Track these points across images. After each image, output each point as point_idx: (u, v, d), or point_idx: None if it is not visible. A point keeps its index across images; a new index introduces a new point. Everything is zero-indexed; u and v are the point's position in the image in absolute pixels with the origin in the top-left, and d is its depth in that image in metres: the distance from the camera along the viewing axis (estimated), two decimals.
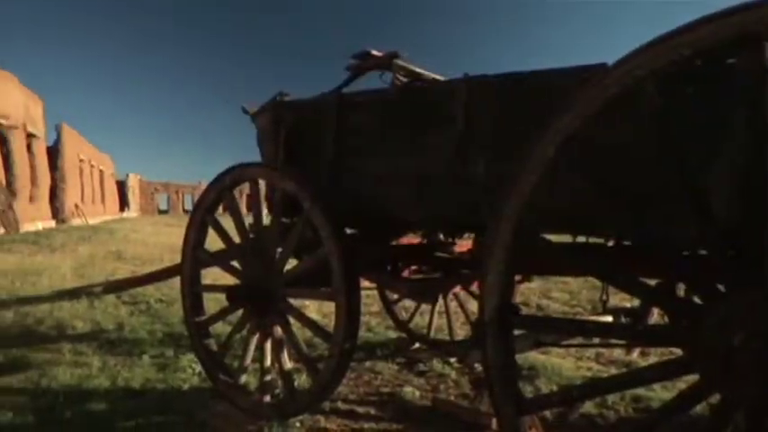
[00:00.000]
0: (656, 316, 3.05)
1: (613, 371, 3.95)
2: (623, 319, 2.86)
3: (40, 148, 20.35)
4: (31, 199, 18.53)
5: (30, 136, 18.95)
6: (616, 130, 1.73)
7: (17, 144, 17.29)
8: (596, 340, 3.16)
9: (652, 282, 1.83)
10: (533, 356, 3.99)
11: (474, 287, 3.38)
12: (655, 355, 4.18)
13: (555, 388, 3.51)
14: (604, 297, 2.68)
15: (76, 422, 2.90)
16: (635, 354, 4.07)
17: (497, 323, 1.68)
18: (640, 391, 3.29)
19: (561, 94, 1.58)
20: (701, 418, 2.53)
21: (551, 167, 1.55)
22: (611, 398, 3.25)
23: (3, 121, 16.01)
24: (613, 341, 2.92)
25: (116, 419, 2.94)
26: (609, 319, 2.81)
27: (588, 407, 3.16)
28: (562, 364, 3.99)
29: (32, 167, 19.07)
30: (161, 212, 50.58)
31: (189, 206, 51.65)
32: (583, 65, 1.96)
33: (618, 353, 4.22)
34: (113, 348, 4.37)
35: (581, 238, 2.20)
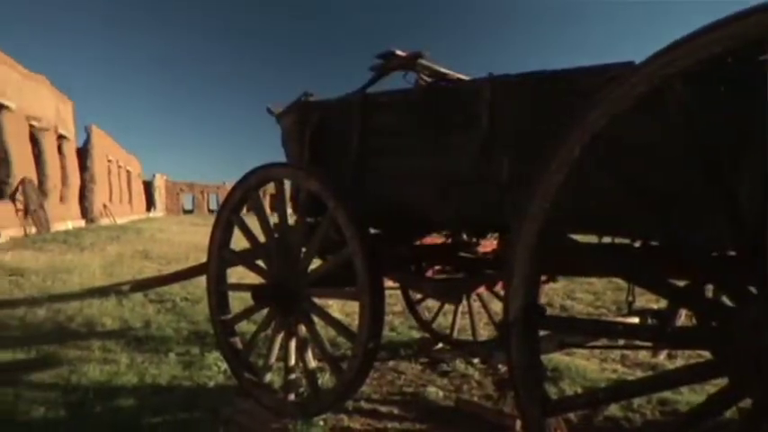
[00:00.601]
0: (683, 318, 2.99)
1: (639, 373, 3.89)
2: (650, 321, 2.81)
3: (70, 150, 20.78)
4: (62, 199, 18.93)
5: (60, 137, 19.37)
6: (644, 128, 1.71)
7: (48, 145, 17.69)
8: (621, 342, 3.12)
9: (679, 283, 1.80)
10: (557, 358, 3.95)
11: (498, 287, 3.36)
12: (682, 358, 4.11)
13: (579, 390, 3.48)
14: (630, 298, 2.64)
15: (105, 417, 2.96)
16: (662, 356, 4.00)
17: (522, 324, 1.66)
18: (667, 394, 3.24)
19: (587, 93, 1.57)
20: (730, 423, 2.48)
21: (577, 167, 1.53)
22: (636, 401, 3.20)
23: (35, 123, 16.39)
24: (639, 343, 2.87)
25: (143, 415, 2.99)
26: (635, 320, 2.77)
27: (613, 409, 3.12)
28: (587, 365, 3.95)
29: (63, 168, 19.48)
30: (186, 212, 51.24)
31: (213, 206, 52.29)
32: (609, 63, 1.93)
33: (643, 355, 4.16)
34: (141, 346, 4.45)
35: (605, 239, 2.17)
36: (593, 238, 2.16)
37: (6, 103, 14.02)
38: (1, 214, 13.21)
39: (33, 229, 14.87)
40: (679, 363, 4.09)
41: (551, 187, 1.56)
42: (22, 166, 15.01)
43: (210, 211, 50.04)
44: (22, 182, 14.74)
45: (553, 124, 1.78)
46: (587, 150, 1.50)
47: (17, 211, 14.44)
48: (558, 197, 1.57)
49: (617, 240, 2.22)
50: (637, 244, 2.21)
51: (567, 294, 7.00)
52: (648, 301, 4.86)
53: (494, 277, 3.15)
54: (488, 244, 3.70)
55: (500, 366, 3.87)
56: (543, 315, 1.73)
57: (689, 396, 3.27)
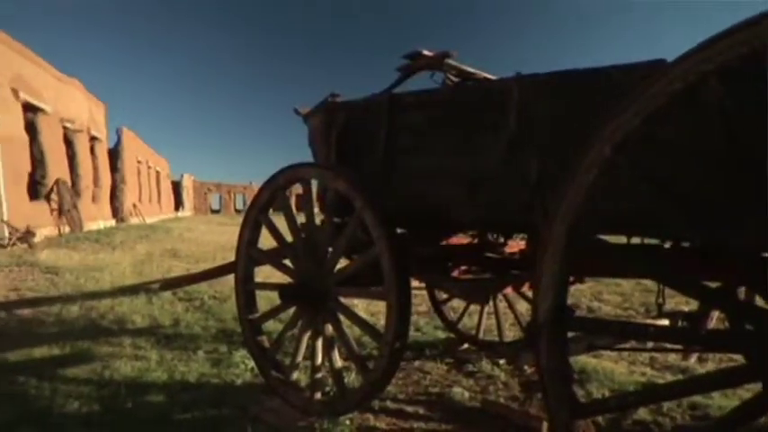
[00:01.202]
0: (714, 320, 2.93)
1: (669, 377, 3.82)
2: (680, 323, 2.76)
3: (102, 151, 21.22)
4: (94, 199, 19.35)
5: (93, 139, 19.80)
6: (678, 127, 1.68)
7: (81, 147, 18.11)
8: (650, 344, 3.07)
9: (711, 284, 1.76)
10: (584, 360, 3.91)
11: (525, 288, 3.34)
12: (713, 362, 4.03)
13: (607, 393, 3.43)
14: (660, 300, 2.60)
15: (137, 413, 3.02)
16: (692, 359, 3.93)
17: (551, 325, 1.65)
18: (698, 398, 3.18)
19: (619, 91, 1.54)
20: (765, 430, 2.42)
21: (608, 167, 1.51)
22: (666, 404, 3.15)
23: (69, 125, 16.80)
24: (669, 346, 2.82)
25: (173, 412, 3.05)
26: (665, 322, 2.72)
27: (642, 413, 3.07)
28: (614, 368, 3.90)
29: (95, 169, 19.90)
30: (213, 212, 51.94)
31: (240, 206, 52.90)
32: (641, 61, 1.90)
33: (673, 358, 4.09)
34: (170, 343, 4.53)
35: (633, 240, 2.14)
36: (620, 239, 2.14)
37: (42, 106, 14.41)
38: (37, 214, 13.56)
39: (67, 229, 15.24)
40: (710, 366, 4.01)
41: (581, 188, 1.54)
42: (56, 167, 15.41)
43: (237, 211, 50.65)
44: (57, 182, 15.13)
45: (583, 123, 1.76)
46: (619, 150, 1.48)
47: (52, 210, 14.82)
48: (588, 197, 1.54)
49: (645, 241, 2.19)
50: (663, 245, 2.18)
51: (594, 296, 6.91)
52: (678, 303, 4.76)
53: (521, 278, 3.12)
54: (515, 244, 3.68)
55: (526, 367, 3.84)
56: (572, 316, 1.71)
57: (720, 401, 3.20)
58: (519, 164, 2.26)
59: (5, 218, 11.91)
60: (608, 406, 1.90)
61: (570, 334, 1.87)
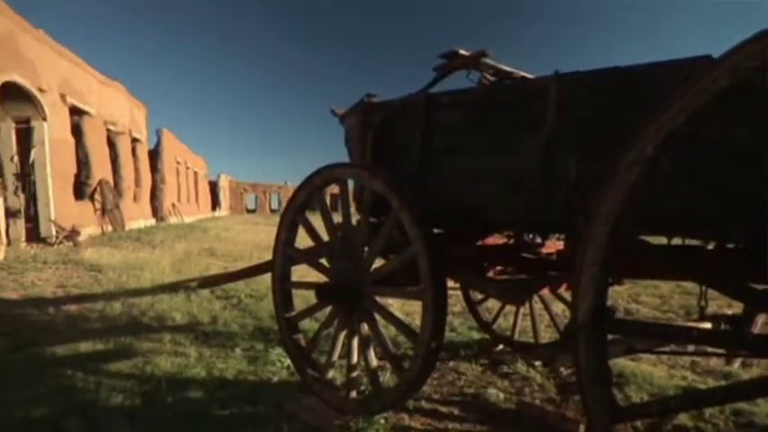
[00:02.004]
0: (759, 324, 2.84)
1: (711, 381, 3.71)
2: (723, 327, 2.68)
3: (143, 152, 21.81)
4: (135, 199, 19.90)
5: (134, 140, 20.37)
6: (723, 125, 1.63)
7: (123, 148, 18.65)
8: (691, 348, 2.99)
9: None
10: (622, 363, 3.83)
11: (562, 289, 3.29)
12: (758, 367, 3.89)
13: (646, 397, 3.36)
14: (702, 303, 2.52)
15: (177, 407, 3.09)
16: (736, 364, 3.80)
17: (591, 326, 1.62)
18: (742, 404, 3.08)
19: (661, 89, 1.51)
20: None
21: (651, 166, 1.48)
22: (708, 410, 3.05)
23: (112, 128, 17.33)
24: (711, 350, 2.74)
25: (212, 407, 3.11)
26: (708, 326, 2.64)
27: (683, 418, 2.99)
28: (653, 372, 3.81)
29: (136, 170, 20.47)
30: (249, 212, 52.74)
31: (275, 206, 53.61)
32: (685, 57, 1.85)
33: (715, 363, 3.97)
34: (208, 340, 4.62)
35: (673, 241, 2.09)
36: (657, 240, 2.09)
37: (87, 109, 14.90)
38: (81, 213, 14.03)
39: (110, 228, 15.72)
40: (755, 372, 3.87)
41: (623, 187, 1.51)
42: (100, 168, 15.91)
43: (272, 211, 51.33)
44: (100, 183, 15.62)
45: (624, 122, 1.73)
46: (662, 148, 1.44)
47: (95, 210, 15.32)
48: (629, 197, 1.51)
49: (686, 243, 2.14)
50: (706, 246, 2.12)
51: (632, 298, 6.76)
52: (719, 306, 4.63)
53: (558, 279, 3.08)
54: (552, 245, 3.63)
55: (563, 369, 3.78)
56: (612, 318, 1.68)
57: (766, 407, 3.09)
58: (557, 163, 2.23)
59: (53, 217, 12.36)
60: (649, 410, 1.85)
61: (609, 336, 1.84)
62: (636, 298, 6.74)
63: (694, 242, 2.27)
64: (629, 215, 1.54)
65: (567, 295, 3.78)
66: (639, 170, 1.48)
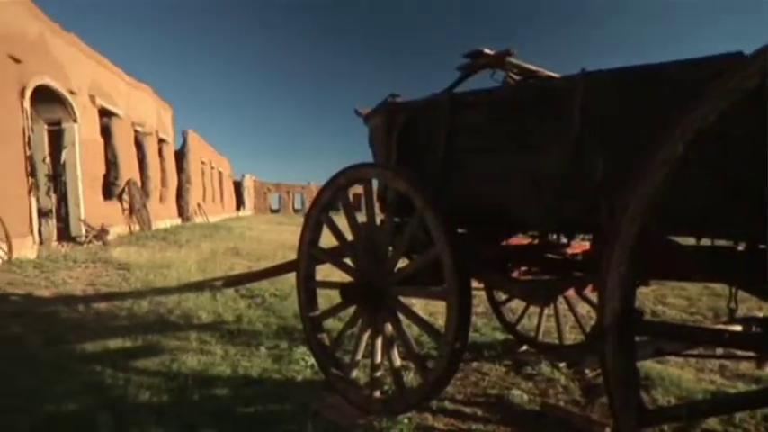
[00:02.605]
0: None
1: (741, 385, 3.63)
2: (754, 329, 2.61)
3: (169, 153, 22.15)
4: (162, 199, 20.22)
5: (161, 141, 20.70)
6: (755, 123, 1.59)
7: (150, 149, 18.97)
8: (720, 351, 2.93)
9: None
10: (649, 365, 3.77)
11: (587, 290, 3.25)
12: None
13: (673, 400, 3.30)
14: (732, 305, 2.47)
15: (204, 404, 3.13)
16: (767, 368, 3.71)
17: (618, 328, 1.60)
18: None
19: (691, 87, 1.48)
20: None
21: (680, 165, 1.45)
22: (738, 415, 2.98)
23: (139, 129, 17.65)
24: (741, 353, 2.67)
25: (237, 405, 3.14)
26: (738, 328, 2.58)
27: (711, 422, 2.92)
28: (681, 375, 3.74)
29: (163, 170, 20.80)
30: (273, 211, 53.22)
31: (298, 205, 53.99)
32: (715, 55, 1.82)
33: (745, 366, 3.88)
34: (233, 339, 4.67)
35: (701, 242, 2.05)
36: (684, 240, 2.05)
37: (116, 110, 15.20)
38: (110, 213, 14.31)
39: (137, 227, 16.01)
40: None
41: (651, 186, 1.48)
42: (127, 169, 16.20)
43: (295, 211, 51.71)
44: (128, 183, 15.91)
45: (652, 121, 1.70)
46: (692, 147, 1.42)
47: (123, 210, 15.61)
48: (658, 197, 1.49)
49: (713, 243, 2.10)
50: (736, 247, 2.07)
51: (658, 299, 6.64)
52: (750, 308, 4.52)
53: (585, 279, 3.04)
54: (578, 245, 3.59)
55: (588, 371, 3.74)
56: (641, 320, 1.65)
57: None
58: (583, 163, 2.21)
59: (83, 217, 12.64)
60: (678, 413, 1.82)
61: (636, 338, 1.81)
62: (662, 299, 6.63)
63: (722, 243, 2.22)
64: (657, 215, 1.52)
65: (593, 296, 3.74)
66: (668, 169, 1.46)
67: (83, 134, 12.75)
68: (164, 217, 19.68)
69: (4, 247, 8.56)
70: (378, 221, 3.04)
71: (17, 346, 4.26)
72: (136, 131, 17.48)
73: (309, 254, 3.37)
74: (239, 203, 44.60)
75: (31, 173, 10.17)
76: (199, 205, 26.17)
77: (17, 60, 9.62)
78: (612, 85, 2.17)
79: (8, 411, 2.95)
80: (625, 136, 2.09)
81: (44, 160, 11.78)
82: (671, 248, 1.61)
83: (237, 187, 45.38)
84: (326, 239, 3.32)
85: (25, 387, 3.32)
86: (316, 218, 3.27)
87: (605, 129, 2.16)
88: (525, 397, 3.38)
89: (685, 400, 3.25)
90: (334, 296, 4.99)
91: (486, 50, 2.80)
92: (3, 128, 9.05)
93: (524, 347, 4.47)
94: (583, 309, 4.74)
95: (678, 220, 1.83)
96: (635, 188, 1.53)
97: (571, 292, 3.41)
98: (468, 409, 3.19)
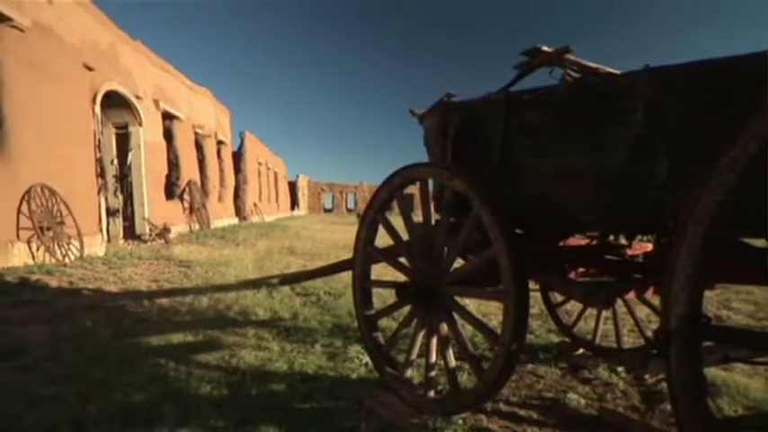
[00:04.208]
0: None
1: None
2: None
3: (228, 154, 22.81)
4: (220, 198, 20.85)
5: (219, 143, 21.36)
6: None
7: (210, 150, 19.61)
8: None
9: None
10: (713, 372, 3.61)
11: (648, 293, 3.14)
12: None
13: (740, 409, 3.15)
14: None
15: (262, 399, 3.21)
16: None
17: (684, 332, 1.54)
18: None
19: (765, 82, 1.42)
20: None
21: (753, 165, 1.38)
22: None
23: (199, 131, 18.27)
24: None
25: (294, 401, 3.21)
26: None
27: None
28: (749, 383, 3.55)
29: (221, 171, 21.45)
30: (326, 211, 53.96)
31: (351, 205, 54.53)
32: None
33: None
34: (289, 335, 4.77)
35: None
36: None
37: (177, 114, 15.80)
38: (171, 212, 14.89)
39: (197, 226, 16.57)
40: None
41: (722, 187, 1.42)
42: (188, 169, 16.80)
43: (348, 210, 52.24)
44: (189, 183, 16.50)
45: (721, 118, 1.63)
46: (766, 146, 1.35)
47: (184, 209, 16.19)
48: (728, 197, 1.43)
49: None
50: None
51: (722, 303, 6.33)
52: None
53: (646, 282, 2.94)
54: (639, 247, 3.48)
55: (647, 376, 3.62)
56: (708, 325, 1.59)
57: None
58: (647, 162, 2.14)
59: (147, 216, 13.21)
60: (749, 423, 1.74)
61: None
62: (727, 304, 6.32)
63: None
64: (726, 216, 1.46)
65: (653, 300, 3.61)
66: (740, 169, 1.39)
67: (147, 137, 13.33)
68: (222, 216, 20.28)
69: (77, 244, 9.05)
70: (432, 221, 3.04)
71: (89, 338, 4.49)
72: (196, 133, 18.10)
73: (365, 253, 3.40)
74: (294, 203, 45.43)
75: (101, 174, 10.72)
76: (255, 205, 26.81)
77: (90, 68, 10.17)
78: (678, 81, 2.09)
79: (82, 400, 3.12)
80: (692, 133, 2.02)
81: (112, 162, 12.39)
82: (740, 250, 1.54)
83: (292, 187, 46.24)
84: (379, 239, 3.35)
85: (96, 377, 3.51)
86: (372, 217, 3.30)
87: (670, 126, 2.09)
88: (582, 401, 3.30)
89: (756, 411, 3.10)
90: (386, 296, 5.01)
91: (545, 48, 2.76)
92: (77, 132, 9.57)
93: (581, 351, 4.36)
94: (641, 312, 4.58)
95: (748, 221, 1.75)
96: (703, 187, 1.47)
97: (630, 295, 3.31)
98: (523, 412, 3.15)
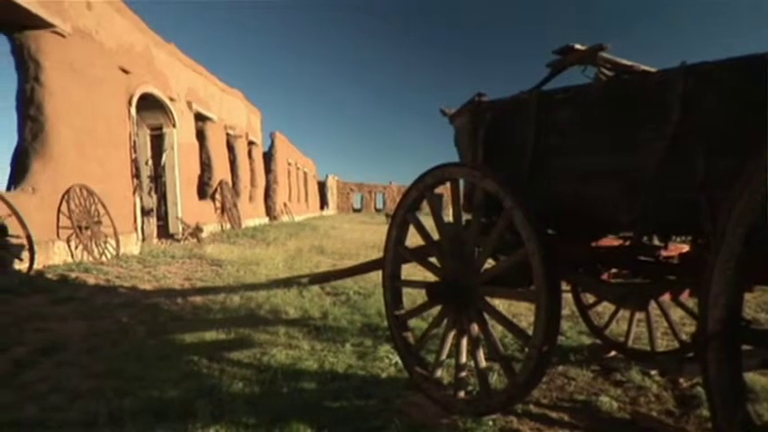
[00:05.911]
0: None
1: None
2: None
3: (258, 154, 23.09)
4: (251, 198, 21.12)
5: (250, 143, 21.64)
6: None
7: (241, 151, 19.89)
8: None
9: None
10: (752, 377, 3.50)
11: (684, 295, 3.07)
12: None
13: None
14: None
15: (292, 397, 3.25)
16: None
17: (722, 336, 1.51)
18: None
19: None
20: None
21: None
22: None
23: (231, 132, 18.55)
24: None
25: (324, 399, 3.23)
26: None
27: None
28: None
29: (252, 171, 21.71)
30: (355, 211, 54.14)
31: (380, 205, 54.61)
32: None
33: None
34: (319, 335, 4.81)
35: None
36: None
37: (210, 115, 16.08)
38: (204, 212, 15.15)
39: (228, 225, 16.83)
40: None
41: (762, 186, 1.39)
42: (220, 170, 17.08)
43: (377, 210, 52.33)
44: (220, 183, 16.76)
45: (760, 115, 1.59)
46: None
47: (215, 209, 16.46)
48: None
49: None
50: None
51: (761, 306, 6.13)
52: None
53: (682, 284, 2.88)
54: (674, 248, 3.40)
55: (682, 380, 3.54)
56: (748, 328, 1.55)
57: None
58: (683, 161, 2.10)
59: (180, 215, 13.48)
60: None
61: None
62: (765, 307, 6.13)
63: None
64: (767, 216, 1.42)
65: (688, 302, 3.53)
66: None
67: (181, 138, 13.61)
68: (252, 216, 20.54)
69: (113, 243, 9.29)
70: (463, 221, 3.03)
71: (125, 335, 4.62)
72: (228, 134, 18.37)
73: (395, 253, 3.41)
74: (323, 203, 45.72)
75: (136, 175, 10.98)
76: (285, 204, 27.08)
77: (126, 71, 10.45)
78: (716, 78, 2.04)
79: (120, 395, 3.21)
80: (729, 132, 1.97)
81: (147, 163, 12.68)
82: None
83: (321, 187, 46.55)
84: (409, 239, 3.35)
85: (133, 373, 3.60)
86: (402, 217, 3.30)
87: (707, 124, 2.05)
88: (614, 404, 3.24)
89: None
90: (415, 296, 5.00)
91: (578, 46, 2.72)
92: (113, 134, 9.84)
93: (613, 353, 4.29)
94: (676, 314, 4.48)
95: None
96: (743, 187, 1.43)
97: (665, 297, 3.24)
98: (554, 414, 3.11)
